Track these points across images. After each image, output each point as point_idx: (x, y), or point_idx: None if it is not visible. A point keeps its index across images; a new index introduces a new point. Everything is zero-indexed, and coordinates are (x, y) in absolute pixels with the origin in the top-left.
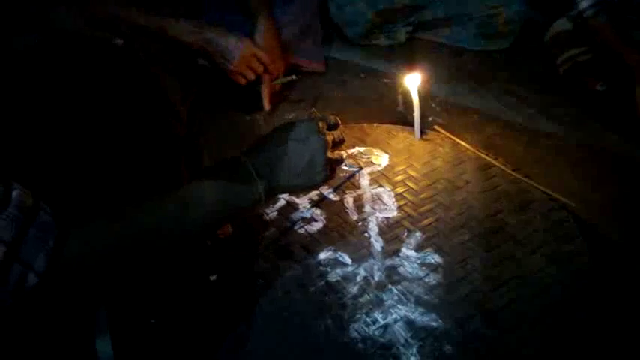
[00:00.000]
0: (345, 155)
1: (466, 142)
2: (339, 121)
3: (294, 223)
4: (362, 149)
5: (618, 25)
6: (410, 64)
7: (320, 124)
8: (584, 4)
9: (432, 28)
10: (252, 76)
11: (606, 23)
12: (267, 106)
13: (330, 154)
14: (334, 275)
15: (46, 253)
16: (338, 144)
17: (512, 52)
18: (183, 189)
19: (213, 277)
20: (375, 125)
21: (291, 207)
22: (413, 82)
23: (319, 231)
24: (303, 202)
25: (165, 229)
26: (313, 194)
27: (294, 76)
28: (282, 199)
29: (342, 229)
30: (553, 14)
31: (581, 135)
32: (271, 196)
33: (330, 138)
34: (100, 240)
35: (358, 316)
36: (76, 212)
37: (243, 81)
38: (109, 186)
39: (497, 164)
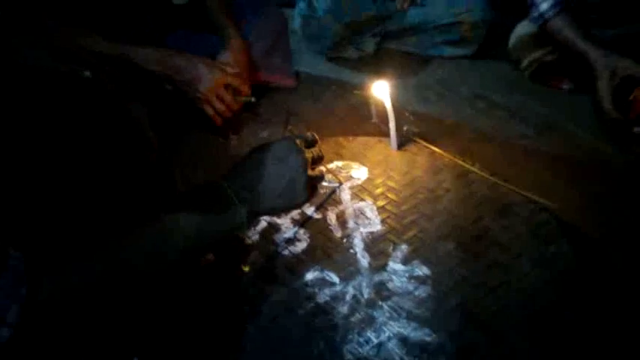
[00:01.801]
0: (324, 171)
1: (442, 150)
2: (317, 138)
3: (277, 245)
4: (340, 164)
5: (578, 25)
6: (380, 74)
7: (298, 142)
8: (544, 6)
9: (398, 37)
10: (220, 106)
11: (566, 23)
12: (232, 136)
13: (310, 172)
14: (323, 296)
15: (19, 304)
16: (317, 161)
17: (480, 57)
18: (162, 219)
19: None
20: (351, 138)
21: (273, 228)
22: (385, 92)
23: (304, 251)
24: (285, 222)
25: (145, 263)
26: (295, 213)
27: (252, 99)
28: (264, 220)
29: (327, 247)
30: (517, 17)
31: (553, 136)
32: (253, 219)
33: (309, 155)
34: (77, 281)
35: (350, 336)
36: (49, 254)
37: (211, 111)
38: (83, 221)
39: (475, 170)
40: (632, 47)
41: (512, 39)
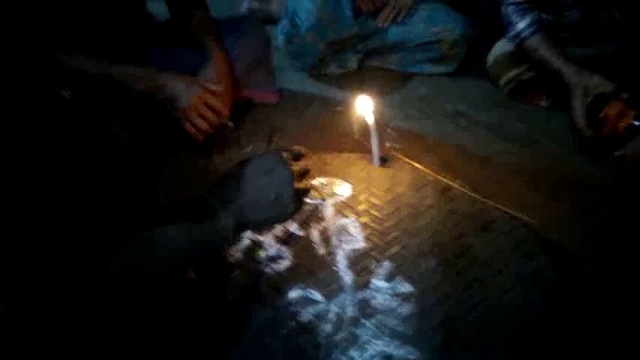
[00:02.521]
0: (310, 184)
1: (424, 166)
2: (303, 151)
3: (260, 263)
4: (323, 180)
5: (553, 44)
6: (363, 91)
7: (284, 155)
8: (520, 26)
9: (380, 54)
10: (204, 126)
11: (542, 43)
12: (215, 152)
13: (296, 185)
14: (306, 314)
15: None
16: (304, 174)
17: (460, 74)
18: (147, 234)
19: None
20: (334, 154)
21: (256, 246)
22: (367, 108)
23: (287, 269)
24: (268, 239)
25: (129, 280)
26: (278, 230)
27: (229, 124)
28: (247, 238)
29: (310, 265)
30: (495, 35)
31: (533, 152)
32: (239, 233)
33: (295, 169)
34: (60, 300)
35: (334, 356)
36: (31, 272)
37: (193, 130)
38: (65, 238)
39: (456, 186)
40: (604, 66)
41: (490, 58)
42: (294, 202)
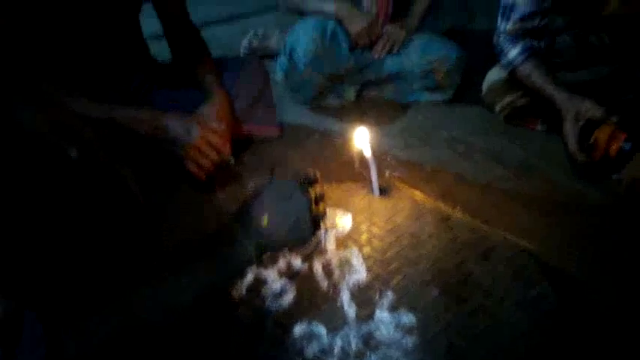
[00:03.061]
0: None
1: (424, 194)
2: (318, 175)
3: (264, 299)
4: (325, 210)
5: (545, 70)
6: (361, 121)
7: (302, 181)
8: (512, 53)
9: (377, 85)
10: (206, 164)
11: (534, 69)
12: (217, 188)
13: (313, 209)
14: (311, 350)
15: None
16: (320, 198)
17: (456, 102)
18: (172, 265)
19: None
20: (335, 185)
21: (259, 281)
22: (365, 139)
23: (291, 303)
24: (272, 274)
25: (159, 315)
26: (281, 265)
27: (231, 160)
28: (250, 274)
29: (314, 299)
30: (489, 62)
31: (531, 177)
32: (262, 256)
33: (312, 194)
34: (97, 335)
35: None
36: (66, 311)
37: (195, 170)
38: (82, 277)
39: (456, 214)
40: (597, 90)
41: (485, 86)
42: (312, 225)
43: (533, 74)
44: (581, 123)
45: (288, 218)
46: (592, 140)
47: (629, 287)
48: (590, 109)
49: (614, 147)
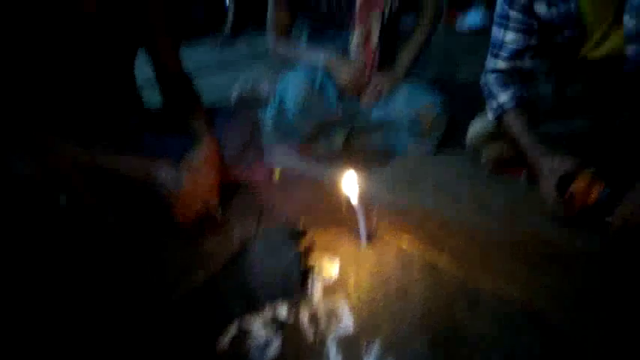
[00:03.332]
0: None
1: (411, 242)
2: (306, 230)
3: (249, 352)
4: (312, 259)
5: (527, 122)
6: (349, 168)
7: (290, 234)
8: (502, 98)
9: (365, 133)
10: (192, 214)
11: (516, 120)
12: (205, 234)
13: (301, 265)
14: None
15: None
16: (307, 251)
17: (441, 150)
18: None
19: None
20: (322, 232)
21: (244, 334)
22: (353, 185)
23: (276, 355)
24: (257, 327)
25: None
26: (267, 317)
27: (219, 211)
28: (235, 325)
29: (300, 351)
30: (474, 111)
31: (516, 226)
32: (250, 311)
33: (300, 247)
34: None
35: None
36: None
37: (181, 219)
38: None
39: (442, 263)
40: (575, 142)
41: (470, 134)
42: (300, 279)
43: (515, 125)
44: (554, 180)
45: (276, 273)
46: (568, 195)
47: (616, 337)
48: (563, 163)
49: (592, 197)
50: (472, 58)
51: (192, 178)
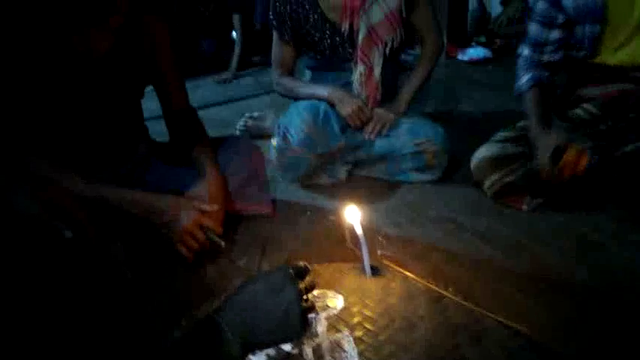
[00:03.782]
0: (314, 302)
1: (415, 274)
2: (309, 267)
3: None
4: (316, 292)
5: (540, 103)
6: (352, 200)
7: (291, 273)
8: (522, 80)
9: (368, 164)
10: (195, 247)
11: (531, 100)
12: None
13: (303, 304)
14: None
15: None
16: (309, 290)
17: (445, 181)
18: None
19: None
20: (326, 264)
21: None
22: (356, 217)
23: None
24: (260, 359)
25: None
26: (270, 349)
27: (222, 244)
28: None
29: None
30: (476, 143)
31: (520, 257)
32: (248, 353)
33: (301, 286)
34: None
35: None
36: None
37: (184, 251)
38: None
39: (448, 295)
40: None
41: (473, 162)
42: (302, 321)
43: (527, 105)
44: (548, 152)
45: (275, 313)
46: (561, 163)
47: None
48: (556, 137)
49: (581, 165)
50: (471, 93)
51: (196, 213)
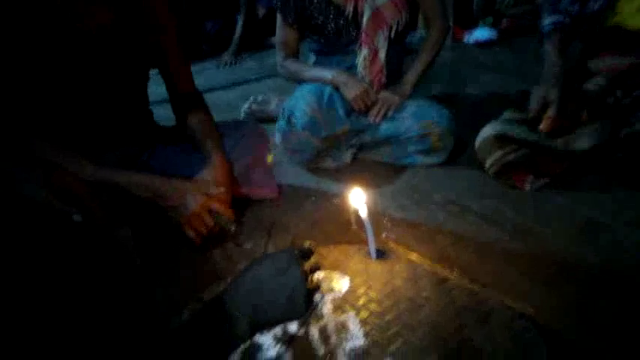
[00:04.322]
0: (320, 280)
1: (421, 256)
2: (313, 247)
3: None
4: (321, 274)
5: (559, 47)
6: (357, 183)
7: (297, 253)
8: (545, 22)
9: (373, 148)
10: (203, 231)
11: (551, 43)
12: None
13: (308, 284)
14: None
15: None
16: (314, 271)
17: (450, 164)
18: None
19: None
20: (332, 247)
21: (255, 347)
22: (361, 200)
23: None
24: (267, 340)
25: None
26: (277, 330)
27: (232, 228)
28: (246, 340)
29: None
30: (480, 126)
31: (526, 239)
32: (255, 332)
33: (307, 266)
34: None
35: None
36: None
37: (192, 234)
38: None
39: (453, 277)
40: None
41: (477, 141)
42: (306, 300)
43: (545, 49)
44: (538, 105)
45: (281, 293)
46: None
47: (629, 352)
48: (550, 92)
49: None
50: (477, 75)
51: (204, 197)
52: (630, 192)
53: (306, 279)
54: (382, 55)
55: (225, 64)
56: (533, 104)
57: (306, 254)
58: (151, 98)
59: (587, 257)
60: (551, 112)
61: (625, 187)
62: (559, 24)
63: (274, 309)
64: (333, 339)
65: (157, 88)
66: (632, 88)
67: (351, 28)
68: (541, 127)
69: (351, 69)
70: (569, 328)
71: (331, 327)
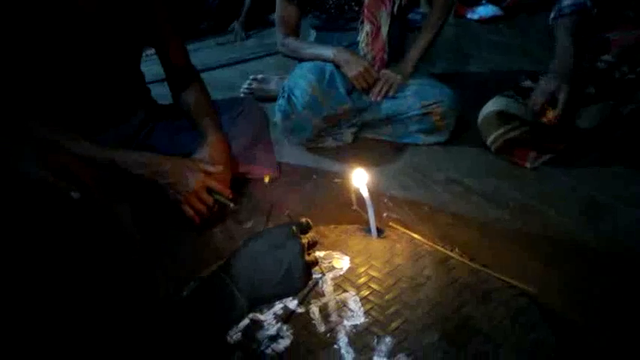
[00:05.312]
0: (318, 257)
1: (422, 236)
2: (311, 224)
3: (260, 343)
4: (322, 253)
5: (571, 33)
6: (358, 162)
7: (294, 229)
8: (564, 3)
9: (374, 127)
10: (200, 207)
11: (565, 28)
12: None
13: (305, 258)
14: None
15: None
16: (312, 246)
17: (452, 144)
18: (164, 320)
19: None
20: (332, 227)
21: (255, 325)
22: (362, 180)
23: (287, 348)
24: (268, 318)
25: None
26: (278, 308)
27: (231, 205)
28: (247, 317)
29: (311, 344)
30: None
31: (528, 218)
32: (253, 308)
33: (304, 241)
34: None
35: None
36: None
37: (191, 212)
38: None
39: (454, 256)
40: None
41: (480, 117)
42: (304, 275)
43: (559, 31)
44: (542, 98)
45: (279, 268)
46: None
47: (629, 332)
48: (549, 83)
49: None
50: (480, 52)
51: (204, 175)
52: (631, 170)
53: (304, 253)
54: (384, 31)
55: (235, 36)
56: (540, 96)
57: (304, 229)
58: (152, 78)
59: (589, 237)
60: (558, 110)
61: (625, 166)
62: (581, 5)
63: (273, 283)
64: (334, 317)
65: (159, 69)
66: (637, 63)
67: (353, 4)
68: (544, 119)
69: (352, 46)
70: (571, 307)
71: (332, 305)
